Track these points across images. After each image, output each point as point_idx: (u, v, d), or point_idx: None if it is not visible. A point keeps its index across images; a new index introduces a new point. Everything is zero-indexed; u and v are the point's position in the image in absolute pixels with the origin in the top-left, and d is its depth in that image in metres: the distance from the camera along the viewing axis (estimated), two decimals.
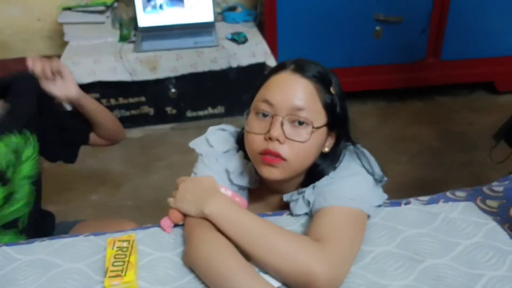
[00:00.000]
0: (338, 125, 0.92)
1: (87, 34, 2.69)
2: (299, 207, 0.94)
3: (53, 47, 3.12)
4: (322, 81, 0.88)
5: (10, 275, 0.85)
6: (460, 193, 1.02)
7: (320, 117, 0.87)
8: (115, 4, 2.73)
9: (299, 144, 0.85)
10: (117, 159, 2.43)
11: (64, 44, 2.75)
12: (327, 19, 2.63)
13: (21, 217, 1.10)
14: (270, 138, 0.85)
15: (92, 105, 1.17)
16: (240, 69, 2.63)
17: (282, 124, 0.85)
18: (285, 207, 0.99)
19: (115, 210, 2.01)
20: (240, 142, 0.99)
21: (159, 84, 2.62)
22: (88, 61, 2.49)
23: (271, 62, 2.61)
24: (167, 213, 0.96)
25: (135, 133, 2.69)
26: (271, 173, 0.88)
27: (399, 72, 2.82)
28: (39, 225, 1.17)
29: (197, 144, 1.02)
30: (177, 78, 2.62)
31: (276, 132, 0.84)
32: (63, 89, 1.08)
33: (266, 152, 0.86)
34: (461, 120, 2.69)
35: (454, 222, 0.93)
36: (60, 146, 1.20)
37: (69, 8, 2.63)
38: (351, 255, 0.81)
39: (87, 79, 2.51)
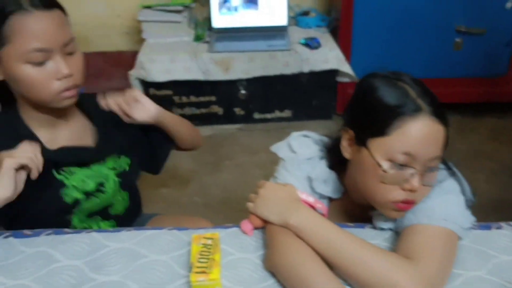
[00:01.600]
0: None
1: (164, 33, 2.78)
2: (383, 221, 0.92)
3: (129, 43, 3.26)
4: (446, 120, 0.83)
5: (99, 260, 0.89)
6: None
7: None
8: (192, 4, 2.80)
9: (428, 187, 0.84)
10: (186, 156, 2.49)
11: (140, 40, 2.87)
12: (405, 27, 2.56)
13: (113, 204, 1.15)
14: (411, 190, 0.81)
15: (172, 120, 1.17)
16: (311, 74, 2.62)
17: (423, 175, 0.82)
18: (366, 219, 0.97)
19: (185, 206, 2.07)
20: (328, 150, 0.98)
21: (230, 85, 2.67)
22: (164, 59, 2.58)
23: (345, 69, 2.58)
24: (236, 213, 0.97)
25: (204, 131, 2.74)
26: (401, 215, 0.86)
27: (477, 86, 2.69)
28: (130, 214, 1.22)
29: (279, 148, 1.02)
30: (248, 80, 2.65)
31: (416, 184, 0.81)
32: (143, 112, 1.09)
33: (403, 202, 0.83)
34: None
35: None
36: (146, 161, 1.23)
37: (149, 7, 2.73)
38: (443, 276, 0.78)
39: (163, 78, 2.60)
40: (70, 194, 1.02)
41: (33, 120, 1.01)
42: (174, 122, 1.18)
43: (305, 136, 1.03)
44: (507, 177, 2.23)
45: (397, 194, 0.82)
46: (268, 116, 2.81)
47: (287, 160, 0.99)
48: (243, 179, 2.21)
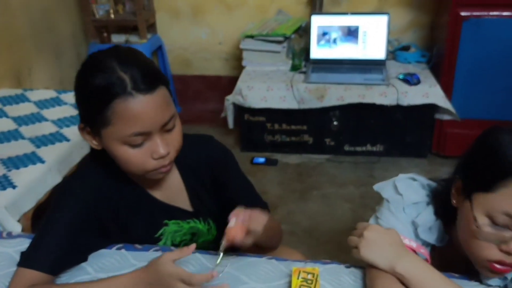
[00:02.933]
0: None
1: (262, 61, 2.90)
2: (491, 277, 0.88)
3: (227, 68, 3.43)
4: None
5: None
6: None
7: None
8: (292, 36, 2.89)
9: None
10: (275, 182, 2.55)
11: (238, 66, 3.00)
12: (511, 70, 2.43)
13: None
14: (507, 252, 0.79)
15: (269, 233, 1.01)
16: (408, 109, 2.56)
17: None
18: (470, 270, 0.93)
19: None
20: (434, 196, 0.96)
21: (323, 115, 2.69)
22: (262, 87, 2.67)
23: (446, 105, 2.49)
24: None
25: (293, 158, 2.78)
26: (496, 276, 0.85)
27: None
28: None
29: (384, 188, 1.01)
30: (341, 110, 2.65)
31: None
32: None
33: (499, 263, 0.81)
34: None
35: None
36: None
37: (251, 36, 2.86)
38: None
39: (259, 105, 2.69)
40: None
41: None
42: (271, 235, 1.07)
43: (413, 179, 1.01)
44: None
45: (493, 253, 0.80)
46: (359, 149, 2.78)
47: (392, 202, 0.98)
48: (329, 211, 2.20)
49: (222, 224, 0.96)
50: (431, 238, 0.95)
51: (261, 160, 2.76)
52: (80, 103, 0.93)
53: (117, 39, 3.06)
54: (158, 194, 1.07)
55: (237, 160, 1.16)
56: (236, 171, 1.16)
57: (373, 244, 0.88)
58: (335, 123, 2.70)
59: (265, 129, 2.80)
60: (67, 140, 1.80)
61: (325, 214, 2.20)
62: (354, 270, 0.96)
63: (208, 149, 1.12)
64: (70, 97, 2.18)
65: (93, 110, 0.89)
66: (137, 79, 0.86)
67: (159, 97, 0.89)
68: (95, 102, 0.88)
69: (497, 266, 0.81)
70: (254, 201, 1.14)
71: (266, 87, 2.67)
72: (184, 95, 3.56)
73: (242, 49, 2.91)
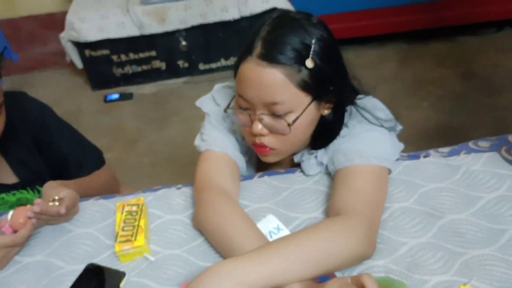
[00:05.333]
0: (330, 90, 0.80)
1: None
2: (311, 167, 0.91)
3: (59, 2, 3.05)
4: (296, 59, 0.74)
5: None
6: (483, 143, 0.96)
7: (300, 100, 0.77)
8: None
9: (283, 136, 0.81)
10: (131, 115, 2.42)
11: None
12: None
13: None
14: (254, 134, 0.82)
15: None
16: (252, 17, 2.52)
17: (260, 120, 0.79)
18: (297, 165, 0.96)
19: (131, 167, 2.01)
20: None
21: (169, 37, 2.55)
22: (95, 16, 2.42)
23: (286, 6, 2.49)
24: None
25: (148, 88, 2.65)
26: (267, 159, 0.87)
27: (420, 13, 2.67)
28: None
29: (204, 103, 0.97)
30: (187, 30, 2.53)
31: (255, 129, 0.80)
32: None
33: (253, 145, 0.84)
34: (487, 61, 2.56)
35: (476, 174, 0.88)
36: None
37: None
38: (380, 215, 0.79)
39: (96, 37, 2.46)
40: None
41: None
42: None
43: (229, 87, 0.98)
44: (452, 101, 2.26)
45: (249, 136, 0.84)
46: (214, 65, 2.72)
47: (212, 115, 0.95)
48: (190, 133, 2.15)
49: None
50: None
51: (115, 96, 2.59)
52: None
53: None
54: None
55: (57, 114, 1.06)
56: (58, 128, 1.05)
57: None
58: (183, 43, 2.58)
59: (111, 62, 2.59)
60: None
61: (186, 138, 2.15)
62: (185, 190, 0.93)
63: (21, 110, 0.99)
64: None
65: None
66: None
67: None
68: None
69: (256, 148, 0.85)
70: (83, 157, 1.08)
71: (100, 16, 2.42)
72: (17, 40, 3.13)
73: None
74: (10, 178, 1.02)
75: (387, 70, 2.51)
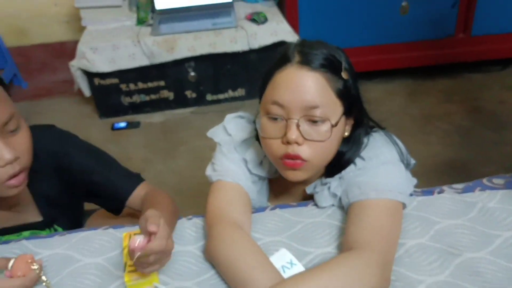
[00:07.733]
0: (355, 108, 0.85)
1: (104, 18, 2.66)
2: (324, 199, 0.90)
3: (70, 32, 3.11)
4: (332, 68, 0.79)
5: None
6: (497, 180, 0.95)
7: (336, 108, 0.80)
8: None
9: (319, 143, 0.80)
10: (139, 145, 2.42)
11: (82, 29, 2.73)
12: None
13: None
14: (288, 142, 0.80)
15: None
16: (261, 50, 2.55)
17: (298, 126, 0.79)
18: (309, 196, 0.95)
19: None
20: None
21: (178, 68, 2.58)
22: (107, 46, 2.46)
23: (294, 40, 2.53)
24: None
25: (156, 117, 2.66)
26: (295, 175, 0.84)
27: (427, 49, 2.70)
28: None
29: (215, 133, 0.97)
30: (196, 61, 2.57)
31: (293, 135, 0.78)
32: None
33: (286, 157, 0.81)
34: (493, 98, 2.57)
35: (492, 212, 0.87)
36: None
37: None
38: (394, 251, 0.77)
39: (108, 68, 2.49)
40: None
41: None
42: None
43: (240, 117, 0.99)
44: (459, 137, 2.26)
45: (278, 148, 0.82)
46: (221, 96, 2.74)
47: (223, 144, 0.95)
48: (198, 164, 2.15)
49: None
50: (263, 172, 0.94)
51: (122, 124, 2.60)
52: None
53: None
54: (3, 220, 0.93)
55: (83, 141, 1.02)
56: (86, 155, 1.01)
57: None
58: (192, 73, 2.61)
59: (120, 91, 2.61)
60: None
61: (194, 168, 2.15)
62: (196, 220, 0.92)
63: (42, 144, 0.94)
64: None
65: None
66: None
67: None
68: None
69: (287, 161, 0.81)
70: (122, 179, 1.04)
71: (112, 46, 2.46)
72: (27, 68, 3.19)
73: (79, 8, 2.64)
74: (35, 216, 0.99)
75: (395, 105, 2.52)
